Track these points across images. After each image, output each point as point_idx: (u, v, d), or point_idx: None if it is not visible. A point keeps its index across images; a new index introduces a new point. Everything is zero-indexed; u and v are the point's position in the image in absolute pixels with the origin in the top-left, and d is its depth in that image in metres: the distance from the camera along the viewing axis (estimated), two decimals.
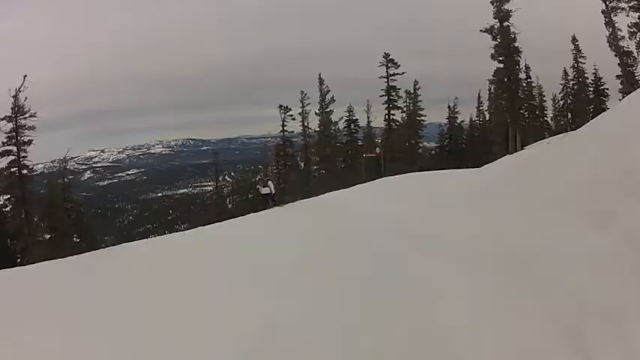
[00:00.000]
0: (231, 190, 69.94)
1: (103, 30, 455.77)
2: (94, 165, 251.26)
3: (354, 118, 60.99)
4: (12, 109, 36.95)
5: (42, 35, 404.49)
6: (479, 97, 69.03)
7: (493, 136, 60.10)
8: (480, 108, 69.46)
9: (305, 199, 30.90)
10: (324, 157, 56.23)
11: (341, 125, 58.54)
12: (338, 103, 57.37)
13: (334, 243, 13.72)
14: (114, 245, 28.56)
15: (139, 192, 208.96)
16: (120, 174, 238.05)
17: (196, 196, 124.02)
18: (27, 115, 37.15)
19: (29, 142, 37.65)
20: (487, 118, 67.00)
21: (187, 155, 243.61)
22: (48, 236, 44.19)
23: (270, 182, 27.81)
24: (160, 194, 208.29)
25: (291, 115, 57.63)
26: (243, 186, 64.34)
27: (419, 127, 61.18)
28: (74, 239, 51.59)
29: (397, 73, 57.59)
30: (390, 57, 56.99)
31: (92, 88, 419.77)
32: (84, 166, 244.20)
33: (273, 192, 27.43)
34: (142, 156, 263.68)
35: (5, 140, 37.27)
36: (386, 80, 57.34)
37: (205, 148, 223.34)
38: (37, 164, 51.74)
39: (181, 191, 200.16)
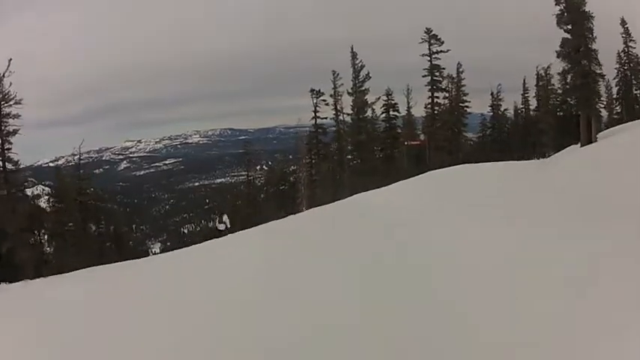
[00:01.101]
0: (264, 181, 65.09)
1: (140, 20, 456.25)
2: (131, 155, 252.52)
3: (392, 102, 54.32)
4: None
5: (78, 27, 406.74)
6: (524, 83, 62.22)
7: (542, 125, 54.23)
8: (526, 95, 62.80)
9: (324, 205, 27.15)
10: (358, 145, 49.11)
11: (378, 111, 52.15)
12: (375, 92, 50.64)
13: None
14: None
15: (176, 182, 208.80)
16: (157, 164, 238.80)
17: (233, 185, 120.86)
18: (11, 103, 32.41)
19: (14, 132, 32.87)
20: (535, 106, 61.22)
21: (225, 145, 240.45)
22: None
23: (225, 217, 26.91)
24: (197, 184, 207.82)
25: (324, 101, 51.25)
26: (272, 177, 59.98)
27: (463, 114, 54.49)
28: (94, 231, 50.07)
29: (441, 51, 50.12)
30: (433, 32, 49.71)
31: (129, 80, 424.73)
32: (120, 157, 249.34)
33: (229, 226, 26.19)
34: (179, 146, 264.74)
35: None
36: (428, 59, 50.02)
37: (243, 137, 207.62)
38: (74, 155, 48.14)
39: (219, 181, 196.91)
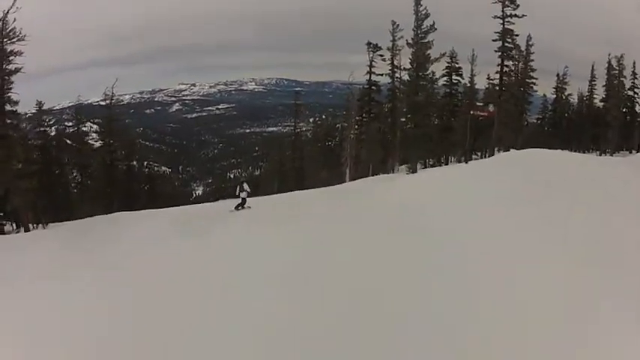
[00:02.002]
0: (311, 135, 61.54)
1: None
2: (184, 98, 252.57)
3: (456, 65, 48.61)
4: None
5: None
6: (592, 70, 56.81)
7: (609, 119, 50.56)
8: (593, 83, 57.36)
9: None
10: (414, 107, 39.78)
11: (438, 73, 45.94)
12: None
13: None
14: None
15: (227, 127, 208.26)
16: (209, 108, 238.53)
17: (285, 135, 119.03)
18: (14, 40, 28.91)
19: (15, 71, 29.42)
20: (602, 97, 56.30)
21: (280, 95, 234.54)
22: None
23: (245, 185, 25.07)
24: (248, 130, 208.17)
25: (381, 55, 45.81)
26: (320, 131, 56.36)
27: (527, 92, 48.56)
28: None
29: (515, 15, 42.08)
30: None
31: (186, 23, 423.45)
32: (173, 99, 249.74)
33: (249, 192, 24.97)
34: (233, 92, 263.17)
35: None
36: (501, 22, 42.26)
37: (299, 89, 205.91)
38: (124, 95, 46.03)
39: (270, 129, 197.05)
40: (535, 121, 58.93)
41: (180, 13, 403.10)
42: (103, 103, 45.03)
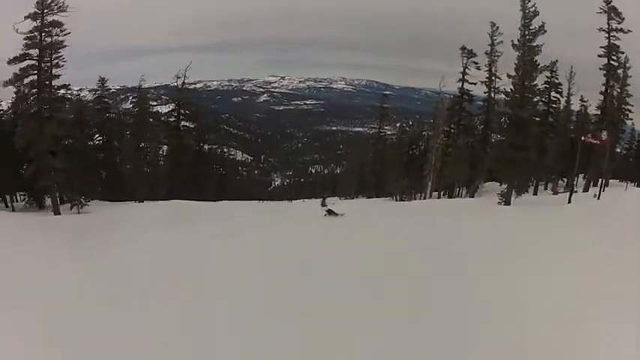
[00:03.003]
0: (396, 140, 57.68)
1: None
2: (272, 90, 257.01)
3: (556, 81, 41.89)
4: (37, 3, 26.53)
5: None
6: None
7: None
8: None
9: None
10: (517, 123, 28.93)
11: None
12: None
13: None
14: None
15: (313, 122, 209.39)
16: (297, 102, 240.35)
17: (369, 136, 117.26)
18: (55, 10, 26.83)
19: (58, 46, 27.31)
20: None
21: (369, 96, 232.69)
22: None
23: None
24: (334, 128, 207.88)
25: (476, 63, 41.18)
26: (404, 138, 52.42)
27: (622, 119, 40.55)
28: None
29: (620, 30, 36.02)
30: (612, 3, 35.73)
31: (282, 16, 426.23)
32: (261, 89, 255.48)
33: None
34: (322, 89, 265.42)
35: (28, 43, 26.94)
36: (606, 35, 36.44)
37: (388, 92, 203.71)
38: (212, 81, 45.63)
39: (356, 129, 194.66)
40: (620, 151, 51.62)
41: (277, 5, 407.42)
42: (189, 87, 44.21)
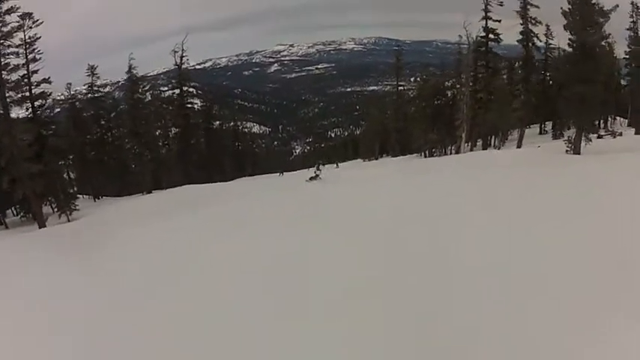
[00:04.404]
0: (416, 93, 52.83)
1: None
2: (282, 58, 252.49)
3: None
4: None
5: None
6: None
7: None
8: None
9: None
10: (582, 49, 22.13)
11: None
12: None
13: None
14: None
15: (327, 86, 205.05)
16: (309, 67, 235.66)
17: (386, 94, 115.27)
18: None
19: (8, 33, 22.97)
20: None
21: (380, 53, 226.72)
22: None
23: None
24: (348, 89, 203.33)
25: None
26: (425, 89, 47.84)
27: None
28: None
29: None
30: None
31: None
32: (271, 60, 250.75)
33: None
34: (332, 51, 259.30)
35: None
36: None
37: (398, 47, 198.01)
38: (221, 58, 42.60)
39: (371, 88, 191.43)
40: None
41: None
42: (199, 67, 40.68)
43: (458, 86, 40.95)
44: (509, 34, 35.67)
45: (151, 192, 32.23)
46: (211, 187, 27.27)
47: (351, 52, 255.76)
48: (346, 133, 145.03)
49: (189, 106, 41.80)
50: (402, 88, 53.99)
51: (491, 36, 37.29)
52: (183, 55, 39.82)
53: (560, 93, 25.93)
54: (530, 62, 35.12)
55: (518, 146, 33.81)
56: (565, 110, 27.40)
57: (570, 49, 22.87)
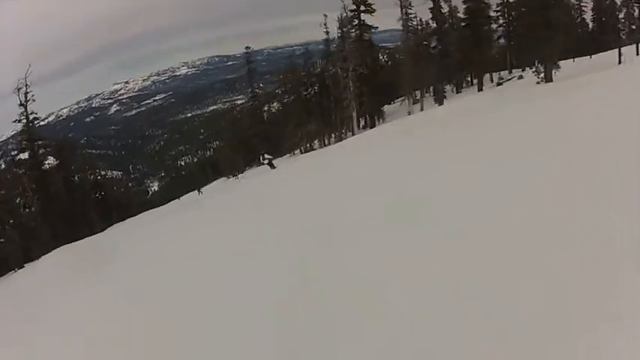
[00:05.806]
0: (282, 89, 52.28)
1: None
2: (120, 97, 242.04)
3: None
4: None
5: None
6: None
7: None
8: None
9: None
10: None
11: None
12: None
13: None
14: None
15: (168, 115, 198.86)
16: (147, 101, 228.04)
17: (227, 111, 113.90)
18: None
19: None
20: None
21: (214, 73, 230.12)
22: None
23: (265, 154, 28.49)
24: (189, 114, 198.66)
25: None
26: (292, 80, 45.73)
27: None
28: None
29: None
30: None
31: (108, 23, 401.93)
32: (110, 101, 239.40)
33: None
34: (167, 80, 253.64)
35: None
36: None
37: (231, 63, 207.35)
38: (63, 109, 38.05)
39: (211, 109, 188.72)
40: None
41: (97, 14, 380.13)
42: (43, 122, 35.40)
43: (338, 64, 37.63)
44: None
45: (22, 266, 25.01)
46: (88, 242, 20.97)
47: (185, 77, 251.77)
48: (195, 159, 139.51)
49: (46, 164, 38.37)
50: (241, 101, 52.09)
51: (362, 8, 35.48)
52: (28, 100, 35.79)
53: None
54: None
55: (479, 89, 34.87)
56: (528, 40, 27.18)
57: None
